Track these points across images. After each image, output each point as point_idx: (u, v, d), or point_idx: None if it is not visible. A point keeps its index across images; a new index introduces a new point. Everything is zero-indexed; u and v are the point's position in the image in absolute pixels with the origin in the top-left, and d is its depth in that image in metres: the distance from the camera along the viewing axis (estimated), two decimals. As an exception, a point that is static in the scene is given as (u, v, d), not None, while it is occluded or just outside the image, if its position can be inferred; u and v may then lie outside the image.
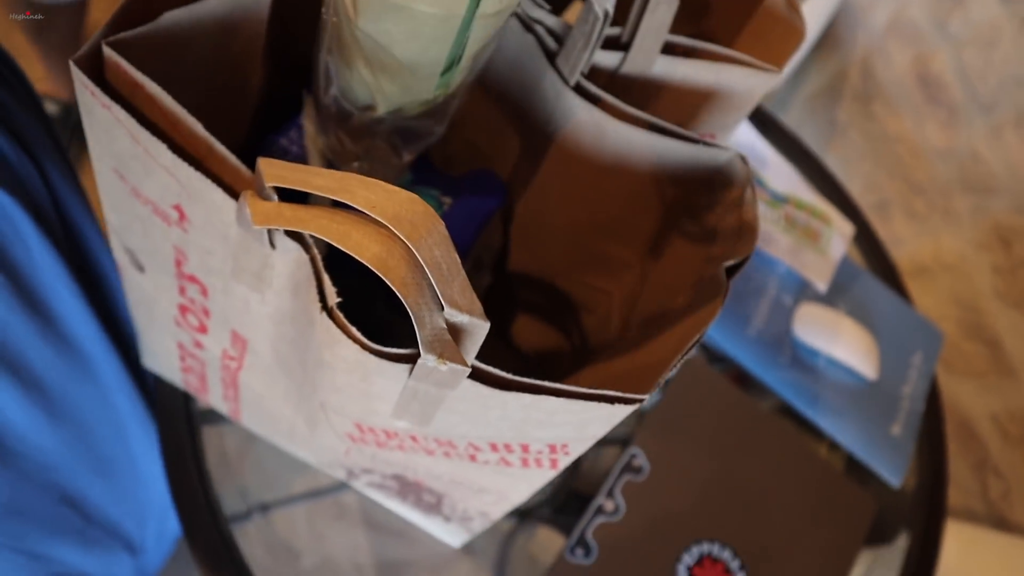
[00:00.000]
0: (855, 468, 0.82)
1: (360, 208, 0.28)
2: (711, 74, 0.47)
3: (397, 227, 0.27)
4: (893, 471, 0.81)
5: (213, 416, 0.65)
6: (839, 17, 1.34)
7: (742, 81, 0.48)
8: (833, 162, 1.38)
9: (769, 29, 0.52)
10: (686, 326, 0.40)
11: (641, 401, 0.34)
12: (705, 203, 0.45)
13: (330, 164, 0.48)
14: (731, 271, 0.40)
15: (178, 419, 0.64)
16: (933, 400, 0.90)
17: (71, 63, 0.36)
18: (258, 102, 0.51)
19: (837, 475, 0.78)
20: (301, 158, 0.51)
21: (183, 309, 0.49)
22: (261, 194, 0.32)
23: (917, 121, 1.22)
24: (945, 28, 1.16)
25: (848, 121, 1.35)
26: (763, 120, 0.99)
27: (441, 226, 0.28)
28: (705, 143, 0.44)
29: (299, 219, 0.29)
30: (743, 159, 0.43)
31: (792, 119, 1.46)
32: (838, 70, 1.36)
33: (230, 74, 0.46)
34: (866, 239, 0.98)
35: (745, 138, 0.94)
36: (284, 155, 0.52)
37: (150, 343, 0.59)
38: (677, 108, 0.49)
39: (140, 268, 0.49)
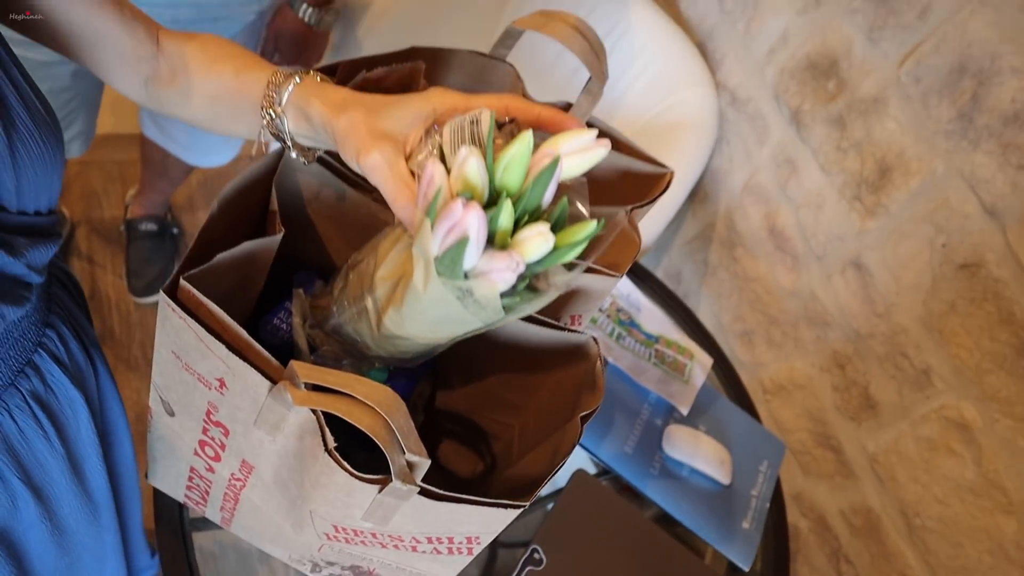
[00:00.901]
0: (716, 556, 1.04)
1: (357, 396, 0.49)
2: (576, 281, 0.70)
3: (379, 408, 0.48)
4: (743, 558, 1.03)
5: (203, 523, 0.82)
6: (707, 177, 1.63)
7: (597, 283, 0.71)
8: (707, 297, 1.65)
9: (617, 239, 0.76)
10: (557, 453, 0.62)
11: (524, 506, 0.55)
12: (571, 368, 0.68)
13: (312, 346, 0.68)
14: (585, 418, 0.61)
15: (174, 524, 0.82)
16: (776, 499, 1.13)
17: (161, 292, 0.57)
18: (261, 291, 0.72)
19: (699, 563, 0.99)
20: (289, 335, 0.72)
21: (203, 444, 0.68)
22: (293, 382, 0.52)
23: (770, 265, 1.50)
24: (785, 191, 1.45)
25: (718, 263, 1.63)
26: (640, 274, 1.24)
27: (403, 406, 0.49)
28: (570, 329, 0.67)
29: (322, 402, 0.50)
30: (595, 340, 0.66)
31: (673, 260, 1.73)
32: (708, 221, 1.64)
33: (248, 281, 0.67)
34: (723, 368, 1.23)
35: (625, 289, 1.19)
36: (277, 332, 0.73)
37: (163, 468, 0.77)
38: (555, 301, 0.71)
39: (171, 414, 0.68)
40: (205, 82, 0.64)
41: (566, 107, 0.83)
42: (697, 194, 1.66)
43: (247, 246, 0.61)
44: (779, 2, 1.43)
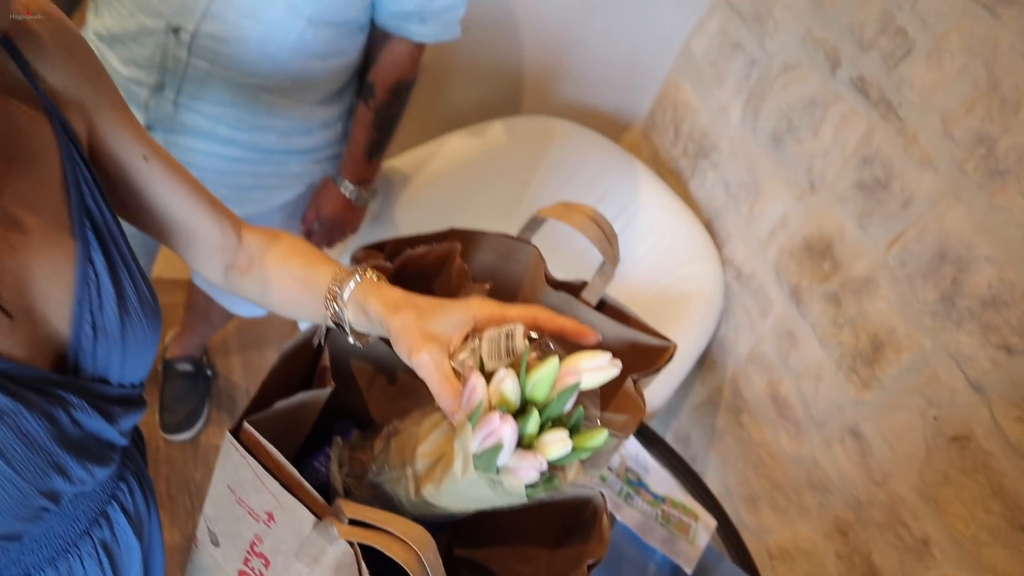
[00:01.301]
0: None
1: (395, 533, 0.56)
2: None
3: (413, 544, 0.56)
4: None
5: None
6: (714, 345, 1.73)
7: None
8: (715, 461, 1.71)
9: (624, 404, 0.84)
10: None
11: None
12: (581, 521, 0.75)
13: (346, 490, 0.76)
14: (591, 566, 0.68)
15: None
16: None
17: (227, 432, 0.65)
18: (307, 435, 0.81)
19: None
20: (326, 478, 0.80)
21: (242, 573, 0.75)
22: (339, 517, 0.60)
23: (773, 431, 1.57)
24: (787, 361, 1.54)
25: (725, 427, 1.69)
26: (649, 436, 1.32)
27: (434, 544, 0.56)
28: (579, 486, 0.74)
29: (364, 535, 0.58)
30: (602, 495, 0.74)
31: (682, 424, 1.81)
32: (716, 386, 1.73)
33: (297, 426, 0.76)
34: (726, 530, 1.28)
35: (633, 449, 1.26)
36: (316, 474, 0.81)
37: (200, 597, 0.83)
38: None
39: (216, 544, 0.75)
40: (277, 273, 0.75)
41: (582, 285, 0.94)
42: (705, 361, 1.76)
43: (301, 396, 0.71)
44: (779, 188, 1.57)
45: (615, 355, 0.85)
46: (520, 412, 0.55)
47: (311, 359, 0.78)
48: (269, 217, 1.41)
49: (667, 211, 1.68)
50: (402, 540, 0.57)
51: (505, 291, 0.98)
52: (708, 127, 1.75)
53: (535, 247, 0.94)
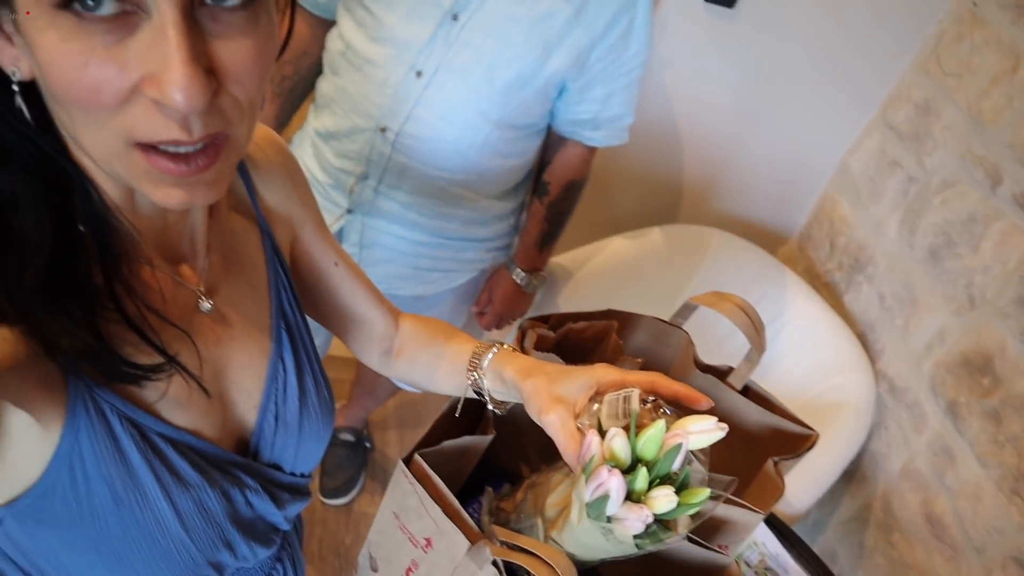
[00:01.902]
0: None
1: (541, 556, 0.63)
2: (724, 511, 0.83)
3: (557, 567, 0.62)
4: None
5: None
6: (864, 459, 1.69)
7: (742, 516, 0.83)
8: (862, 579, 1.65)
9: (763, 484, 0.88)
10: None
11: None
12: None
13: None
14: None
15: None
16: None
17: (400, 461, 0.75)
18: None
19: None
20: (479, 523, 0.88)
21: (398, 599, 0.83)
22: (492, 540, 0.68)
23: (927, 554, 1.51)
24: (943, 480, 1.49)
25: (874, 546, 1.64)
26: (790, 538, 1.31)
27: (575, 571, 0.63)
28: (716, 550, 0.79)
29: (513, 556, 0.65)
30: (737, 562, 0.77)
31: (829, 540, 1.76)
32: (865, 502, 1.68)
33: (459, 468, 0.85)
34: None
35: (773, 549, 1.26)
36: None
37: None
38: (707, 527, 0.84)
39: (375, 569, 0.85)
40: (426, 353, 0.86)
41: (728, 370, 1.00)
42: (854, 475, 1.72)
43: (466, 439, 0.80)
44: (936, 303, 1.56)
45: (758, 439, 0.90)
46: (632, 468, 0.61)
47: (478, 410, 0.88)
48: (443, 297, 1.55)
49: (819, 321, 1.69)
50: (548, 564, 0.64)
51: (656, 371, 1.05)
52: (864, 241, 1.77)
53: (685, 332, 1.01)
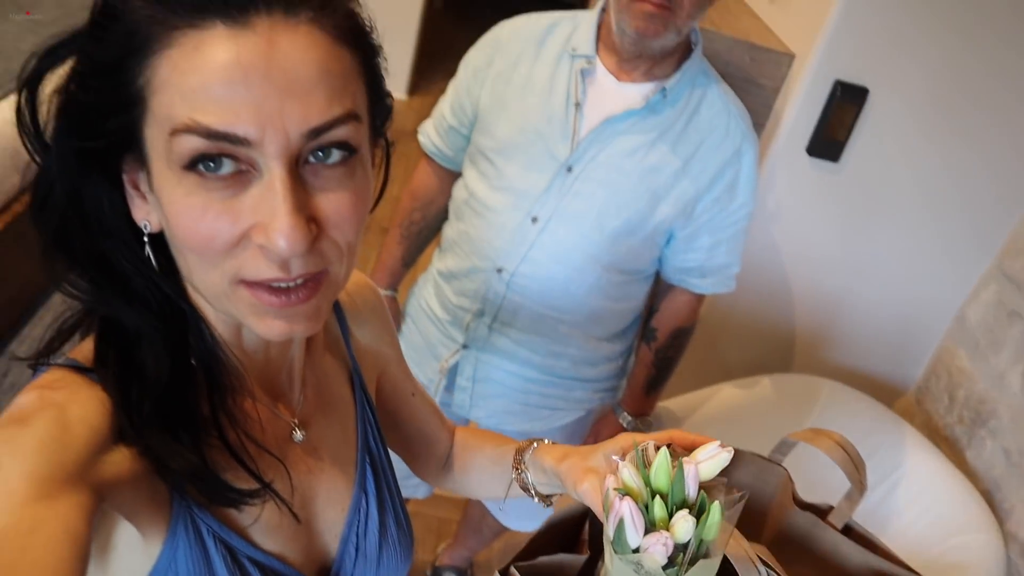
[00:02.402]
0: None
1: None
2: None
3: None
4: None
5: None
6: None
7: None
8: None
9: None
10: None
11: None
12: None
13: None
14: None
15: None
16: None
17: (496, 572, 0.79)
18: None
19: None
20: None
21: None
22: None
23: None
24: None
25: None
26: None
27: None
28: None
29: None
30: None
31: None
32: None
33: None
34: None
35: None
36: None
37: None
38: None
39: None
40: (476, 458, 0.92)
41: (828, 509, 0.99)
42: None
43: (560, 556, 0.84)
44: (1067, 464, 1.48)
45: None
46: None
47: (574, 529, 0.91)
48: (550, 435, 1.59)
49: (940, 477, 1.62)
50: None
51: (756, 509, 1.05)
52: (985, 394, 1.72)
53: (784, 468, 1.02)
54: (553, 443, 0.83)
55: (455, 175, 1.56)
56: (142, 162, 0.54)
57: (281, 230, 0.51)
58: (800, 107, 1.71)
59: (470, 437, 0.96)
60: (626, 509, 0.61)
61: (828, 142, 1.72)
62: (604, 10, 1.36)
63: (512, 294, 1.42)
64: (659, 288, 1.55)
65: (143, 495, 0.56)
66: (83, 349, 0.59)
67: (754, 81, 1.76)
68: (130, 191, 0.57)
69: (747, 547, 0.74)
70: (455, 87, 1.51)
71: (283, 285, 0.54)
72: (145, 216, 0.57)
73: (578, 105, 1.35)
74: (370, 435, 0.78)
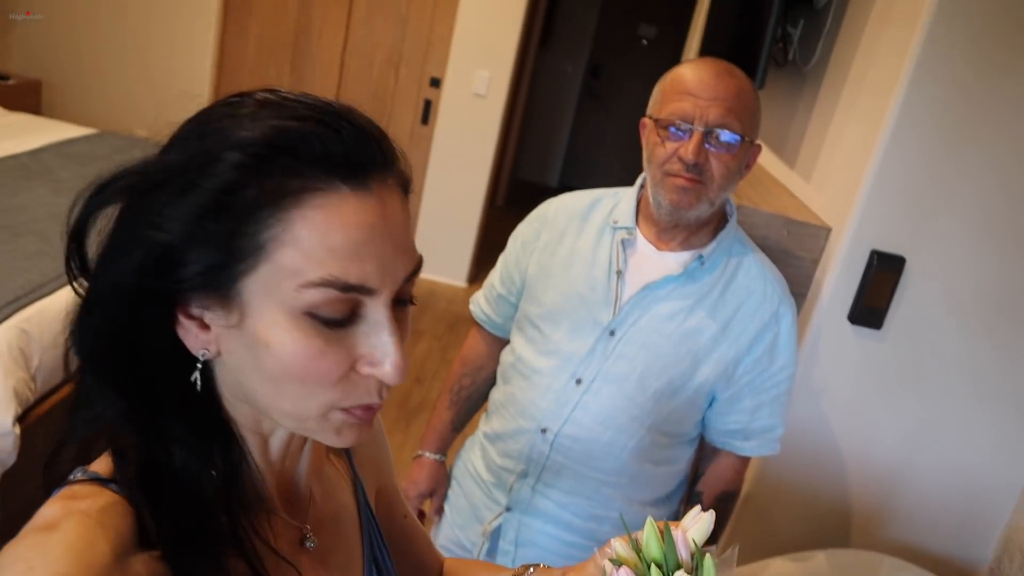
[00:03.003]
0: None
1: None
2: None
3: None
4: None
5: None
6: None
7: None
8: None
9: None
10: None
11: None
12: None
13: None
14: None
15: None
16: None
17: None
18: None
19: None
20: None
21: None
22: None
23: None
24: None
25: None
26: None
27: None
28: None
29: None
30: None
31: None
32: None
33: None
34: None
35: None
36: None
37: None
38: None
39: None
40: None
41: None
42: None
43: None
44: None
45: None
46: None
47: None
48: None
49: None
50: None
51: None
52: (1061, 574, 1.62)
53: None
54: (547, 567, 0.83)
55: (503, 342, 1.62)
56: (221, 301, 0.57)
57: (396, 364, 0.58)
58: (839, 276, 1.76)
59: (460, 566, 0.98)
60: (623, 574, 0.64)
61: (869, 308, 1.75)
62: (643, 186, 1.47)
63: (556, 454, 1.43)
64: (703, 453, 1.55)
65: None
66: (98, 462, 0.61)
67: (793, 254, 1.83)
68: (184, 321, 0.59)
69: None
70: (504, 259, 1.61)
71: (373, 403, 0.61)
72: (204, 345, 0.59)
73: (620, 273, 1.43)
74: (375, 545, 0.80)
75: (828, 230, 1.82)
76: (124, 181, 0.57)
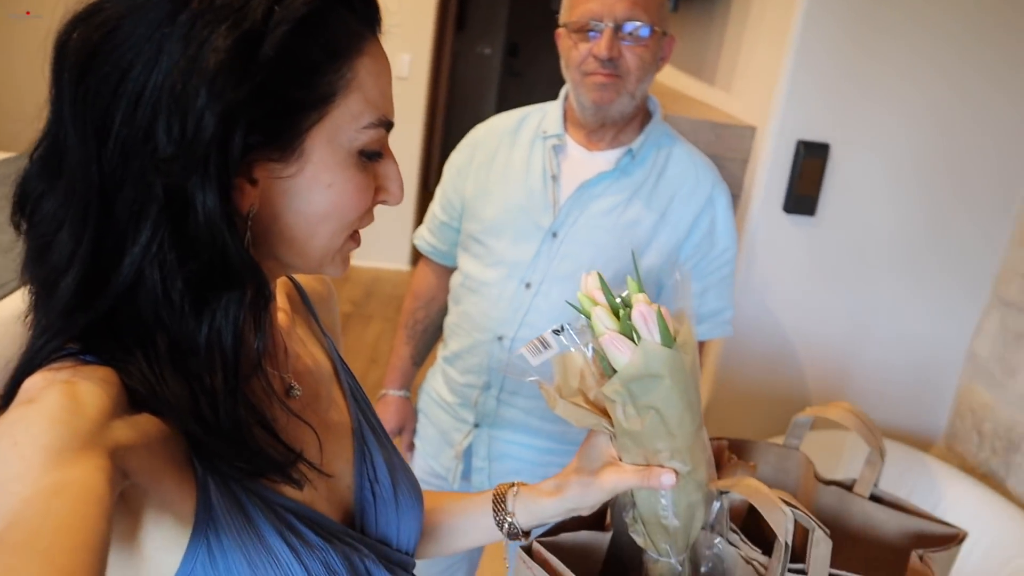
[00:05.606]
0: None
1: None
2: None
3: None
4: None
5: None
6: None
7: None
8: None
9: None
10: None
11: None
12: None
13: None
14: None
15: None
16: None
17: (520, 550, 0.78)
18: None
19: None
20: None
21: None
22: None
23: None
24: None
25: None
26: None
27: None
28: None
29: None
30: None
31: None
32: None
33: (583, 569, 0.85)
34: None
35: None
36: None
37: None
38: None
39: None
40: (445, 521, 0.88)
41: (852, 482, 0.98)
42: None
43: (584, 533, 0.82)
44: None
45: (898, 550, 0.90)
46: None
47: (597, 514, 0.89)
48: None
49: (983, 506, 1.57)
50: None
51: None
52: (1011, 420, 1.69)
53: (802, 452, 1.01)
54: (525, 484, 0.84)
55: (451, 271, 1.62)
56: (283, 154, 0.59)
57: (401, 185, 0.68)
58: (769, 171, 1.81)
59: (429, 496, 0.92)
60: (608, 340, 0.71)
61: (802, 196, 1.80)
62: (567, 96, 1.49)
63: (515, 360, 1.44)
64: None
65: (162, 458, 0.56)
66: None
67: (723, 157, 1.87)
68: (238, 184, 0.58)
69: (768, 491, 0.74)
70: (442, 188, 1.62)
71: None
72: (252, 202, 0.60)
73: (555, 177, 1.45)
74: (355, 392, 0.81)
75: (753, 128, 1.87)
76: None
